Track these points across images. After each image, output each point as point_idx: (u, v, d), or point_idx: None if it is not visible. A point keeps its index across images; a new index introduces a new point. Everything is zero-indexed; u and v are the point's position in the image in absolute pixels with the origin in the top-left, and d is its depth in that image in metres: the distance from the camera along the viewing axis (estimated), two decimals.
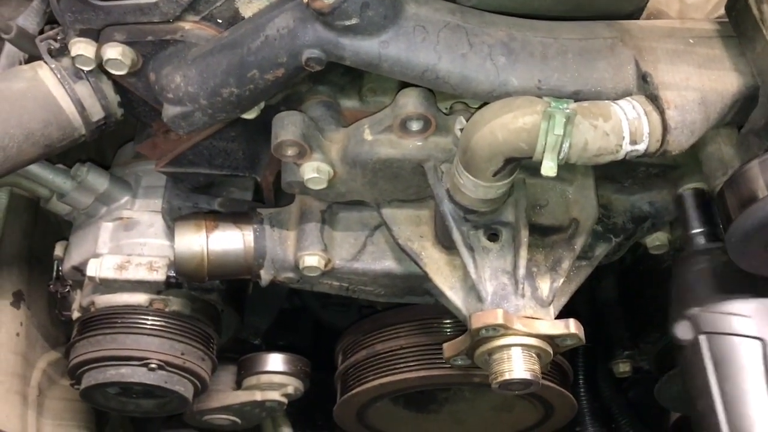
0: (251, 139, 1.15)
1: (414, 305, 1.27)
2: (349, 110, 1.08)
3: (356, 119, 1.07)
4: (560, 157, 0.82)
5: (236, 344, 1.48)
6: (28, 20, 1.29)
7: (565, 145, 0.82)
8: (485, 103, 0.90)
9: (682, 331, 0.96)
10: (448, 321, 1.26)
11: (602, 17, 0.93)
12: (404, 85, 1.03)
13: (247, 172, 1.22)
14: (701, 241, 1.02)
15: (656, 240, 1.19)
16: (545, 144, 0.82)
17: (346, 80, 1.07)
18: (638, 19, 0.97)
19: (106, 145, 1.41)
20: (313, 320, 1.75)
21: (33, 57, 1.28)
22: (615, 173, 1.10)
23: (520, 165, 0.91)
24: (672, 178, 1.10)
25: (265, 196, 1.26)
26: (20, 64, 1.33)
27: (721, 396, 0.90)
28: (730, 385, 0.90)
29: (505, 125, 0.83)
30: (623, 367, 1.41)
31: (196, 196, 1.26)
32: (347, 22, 0.85)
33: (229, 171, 1.21)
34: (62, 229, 1.44)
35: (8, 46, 1.36)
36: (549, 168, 0.82)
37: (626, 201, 1.13)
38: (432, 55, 0.86)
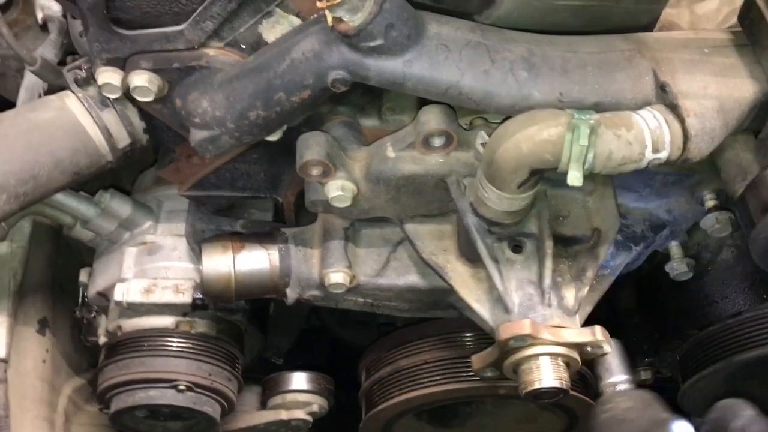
0: (272, 160, 1.18)
1: (436, 320, 1.28)
2: (369, 129, 1.11)
3: (376, 138, 1.09)
4: (585, 167, 0.84)
5: (258, 364, 1.49)
6: (46, 52, 1.32)
7: (590, 155, 0.84)
8: (506, 118, 0.93)
9: None
10: (470, 334, 1.27)
11: (618, 30, 0.96)
12: (422, 103, 1.06)
13: (268, 193, 1.24)
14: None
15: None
16: (570, 155, 0.84)
17: (366, 100, 1.10)
18: (652, 30, 0.99)
19: (121, 171, 1.43)
20: (328, 339, 1.76)
21: (53, 87, 1.32)
22: (632, 182, 1.12)
23: (543, 177, 0.93)
24: (688, 186, 1.12)
25: (285, 216, 1.27)
26: (40, 94, 1.36)
27: None
28: None
29: (531, 137, 0.85)
30: (644, 375, 1.42)
31: (218, 219, 1.28)
32: (372, 43, 0.87)
33: (251, 193, 1.23)
34: (83, 255, 1.45)
35: (28, 78, 1.39)
36: (575, 178, 0.84)
37: (644, 209, 1.15)
38: (455, 72, 0.89)
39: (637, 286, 1.47)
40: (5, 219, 1.07)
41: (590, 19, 0.94)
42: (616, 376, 1.02)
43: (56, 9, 1.37)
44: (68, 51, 1.34)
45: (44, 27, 1.39)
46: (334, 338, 1.75)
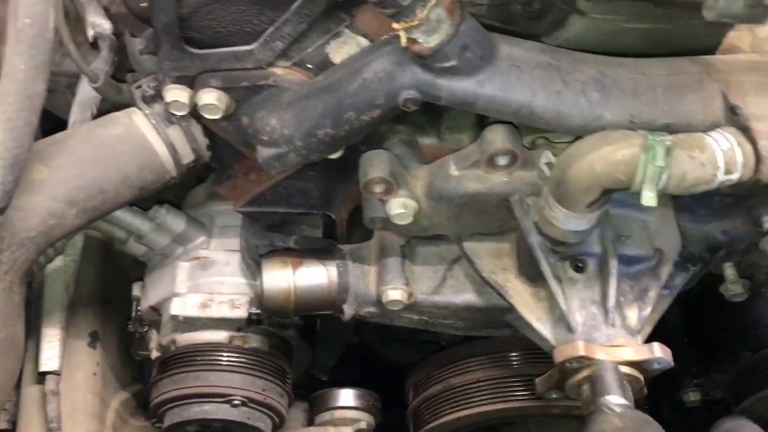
0: (328, 177, 1.19)
1: (485, 338, 1.29)
2: (427, 147, 1.12)
3: (434, 156, 1.10)
4: (658, 188, 0.85)
5: (302, 380, 1.49)
6: (98, 69, 1.34)
7: (664, 176, 0.85)
8: (575, 138, 0.94)
9: None
10: (521, 353, 1.27)
11: (683, 53, 0.97)
12: (480, 122, 1.07)
13: (321, 209, 1.25)
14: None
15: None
16: (645, 175, 0.85)
17: (426, 119, 1.11)
18: (715, 53, 1.00)
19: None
20: (361, 356, 1.76)
21: (106, 102, 1.34)
22: (690, 203, 1.12)
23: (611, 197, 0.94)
24: (746, 207, 1.12)
25: (338, 233, 1.29)
26: (92, 111, 1.39)
27: None
28: None
29: (604, 157, 0.86)
30: (693, 396, 1.42)
31: (271, 235, 1.30)
32: (446, 64, 0.89)
33: (305, 209, 1.24)
34: (130, 270, 1.47)
35: (81, 94, 1.42)
36: (649, 198, 0.85)
37: (701, 230, 1.15)
38: (527, 92, 0.90)
39: (682, 306, 1.47)
40: (74, 233, 1.08)
41: (657, 42, 0.95)
42: (612, 396, 0.98)
43: (107, 27, 1.39)
44: (118, 68, 1.36)
45: (94, 44, 1.41)
46: (368, 355, 1.75)
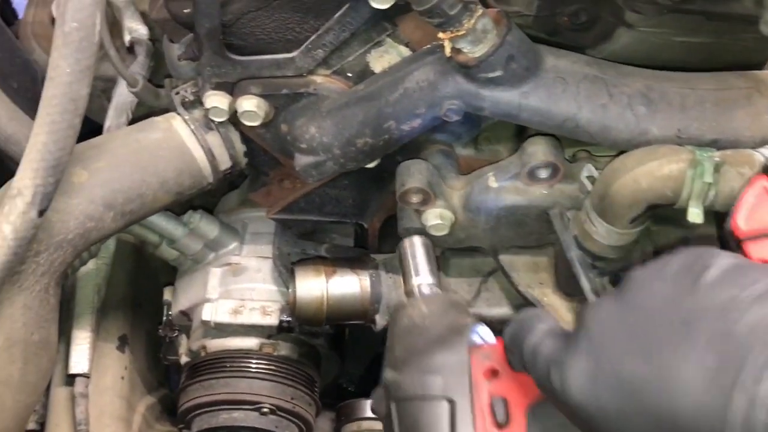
0: (362, 186, 1.18)
1: None
2: (464, 158, 1.11)
3: (470, 167, 1.09)
4: (705, 204, 0.84)
5: (329, 390, 1.48)
6: (136, 73, 1.35)
7: (712, 193, 0.83)
8: (619, 152, 0.93)
9: (377, 402, 0.83)
10: None
11: (730, 68, 0.95)
12: (519, 133, 1.06)
13: (354, 218, 1.24)
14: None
15: None
16: (692, 191, 0.83)
17: (464, 129, 1.10)
18: (763, 68, 0.98)
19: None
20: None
21: (141, 107, 1.35)
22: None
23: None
24: None
25: (369, 242, 1.28)
26: (127, 115, 1.39)
27: None
28: None
29: (651, 172, 0.85)
30: None
31: (303, 243, 1.29)
32: (491, 75, 0.88)
33: (337, 218, 1.24)
34: (161, 274, 1.47)
35: (117, 98, 1.42)
36: (696, 215, 0.83)
37: None
38: (572, 105, 0.89)
39: None
40: (111, 237, 1.08)
41: (705, 56, 0.93)
42: (421, 277, 0.95)
43: (143, 32, 1.40)
44: (153, 73, 1.37)
45: (130, 49, 1.42)
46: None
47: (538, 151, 0.99)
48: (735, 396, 0.47)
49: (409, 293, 0.97)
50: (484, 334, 0.81)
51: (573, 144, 1.01)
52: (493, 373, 0.75)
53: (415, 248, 1.02)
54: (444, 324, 0.84)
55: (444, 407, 0.74)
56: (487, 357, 0.76)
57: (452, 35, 0.84)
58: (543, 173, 1.00)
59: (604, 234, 0.93)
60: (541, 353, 0.63)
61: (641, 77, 0.91)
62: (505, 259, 1.10)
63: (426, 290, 0.97)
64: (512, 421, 0.72)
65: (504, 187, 1.02)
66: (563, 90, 0.89)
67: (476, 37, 0.84)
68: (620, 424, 0.54)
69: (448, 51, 0.87)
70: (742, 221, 0.76)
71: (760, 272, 0.54)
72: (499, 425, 0.72)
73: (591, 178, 0.97)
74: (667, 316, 0.54)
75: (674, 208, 0.88)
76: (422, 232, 1.07)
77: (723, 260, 0.55)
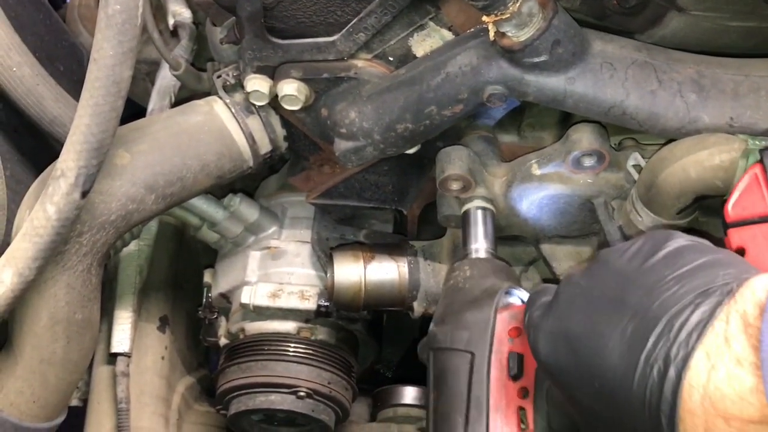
0: (402, 172, 1.17)
1: None
2: (506, 145, 1.09)
3: (513, 154, 1.07)
4: None
5: (366, 375, 1.49)
6: (178, 57, 1.35)
7: None
8: (668, 140, 0.90)
9: (422, 350, 0.96)
10: None
11: None
12: (563, 120, 1.04)
13: (393, 204, 1.23)
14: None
15: None
16: None
17: (506, 115, 1.08)
18: None
19: None
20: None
21: (183, 90, 1.35)
22: None
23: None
24: None
25: (408, 228, 1.27)
26: (170, 98, 1.40)
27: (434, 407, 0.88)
28: (442, 397, 0.87)
29: (700, 162, 0.82)
30: None
31: (342, 228, 1.29)
32: (536, 59, 0.86)
33: (377, 204, 1.23)
34: (201, 256, 1.48)
35: (160, 81, 1.44)
36: None
37: None
38: (620, 91, 0.86)
39: None
40: (152, 219, 1.09)
41: (760, 41, 0.90)
42: (477, 243, 0.99)
43: (187, 16, 1.40)
44: (196, 57, 1.38)
45: (174, 33, 1.42)
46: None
47: (583, 138, 0.96)
48: (640, 362, 0.57)
49: (463, 256, 1.00)
50: (523, 296, 0.88)
51: (619, 131, 0.99)
52: (518, 332, 0.83)
53: (478, 216, 1.03)
54: (482, 287, 0.91)
55: (466, 358, 0.84)
56: (514, 317, 0.84)
57: (497, 18, 0.82)
58: (588, 161, 0.97)
59: (649, 224, 0.91)
60: (530, 320, 0.72)
61: (692, 63, 0.88)
62: (546, 248, 1.08)
63: (481, 255, 1.00)
64: (525, 375, 0.80)
65: (547, 175, 1.00)
66: (611, 76, 0.86)
67: (521, 21, 0.82)
68: (569, 377, 0.64)
69: (492, 35, 0.85)
70: (730, 208, 0.79)
71: (698, 254, 0.60)
72: (512, 377, 0.81)
73: (637, 167, 0.95)
74: (612, 290, 0.63)
75: (724, 200, 0.85)
76: (461, 219, 1.06)
77: (675, 243, 0.62)
